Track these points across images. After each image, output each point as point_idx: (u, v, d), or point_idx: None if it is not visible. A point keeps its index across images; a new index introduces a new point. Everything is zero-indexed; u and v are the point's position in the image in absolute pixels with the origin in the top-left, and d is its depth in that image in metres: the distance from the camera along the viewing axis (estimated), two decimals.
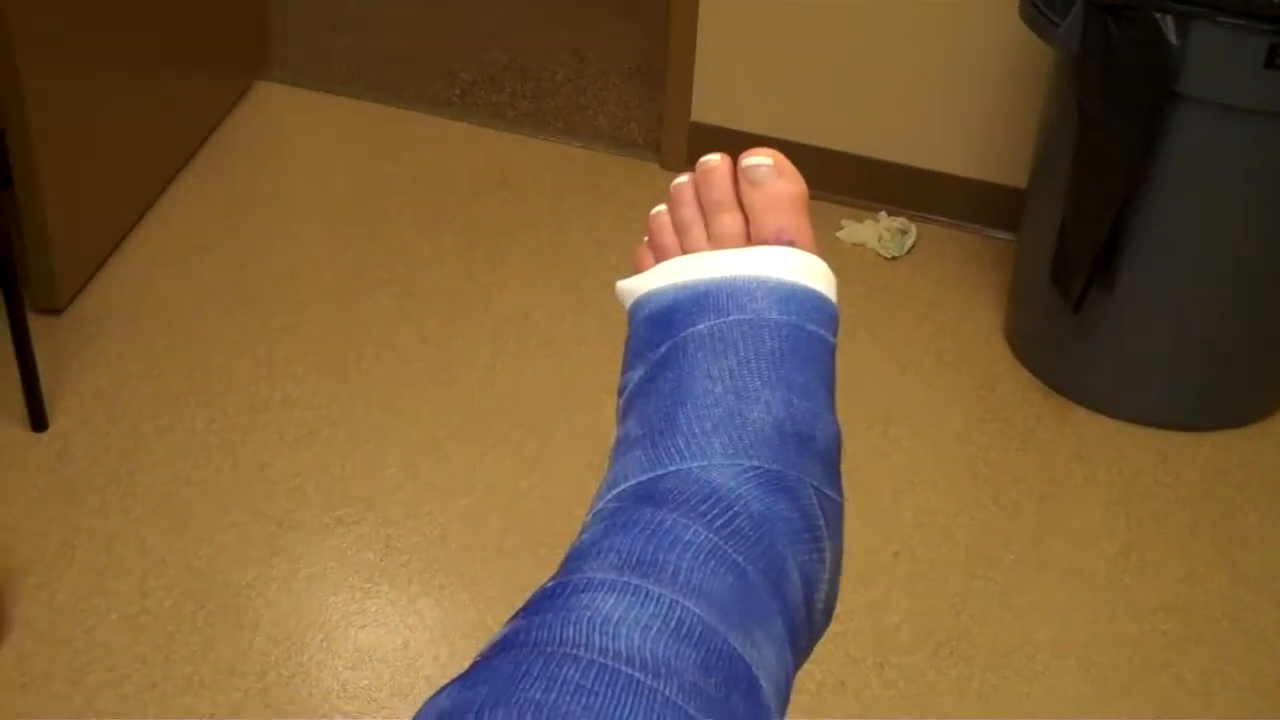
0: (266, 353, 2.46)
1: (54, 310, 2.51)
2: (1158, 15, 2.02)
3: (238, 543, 2.12)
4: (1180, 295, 2.31)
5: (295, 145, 3.06)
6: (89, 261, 2.61)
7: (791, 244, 0.76)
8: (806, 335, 0.74)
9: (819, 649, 2.18)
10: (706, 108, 2.91)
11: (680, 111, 2.93)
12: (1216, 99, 2.09)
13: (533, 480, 2.25)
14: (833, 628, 2.21)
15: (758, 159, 0.77)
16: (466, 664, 1.85)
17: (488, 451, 2.30)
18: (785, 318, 0.73)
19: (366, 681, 1.94)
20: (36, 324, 2.34)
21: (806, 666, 2.18)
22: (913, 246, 2.79)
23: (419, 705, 1.81)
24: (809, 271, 0.76)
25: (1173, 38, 2.03)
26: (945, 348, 2.57)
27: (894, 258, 2.77)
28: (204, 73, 3.00)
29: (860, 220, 2.84)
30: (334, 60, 3.31)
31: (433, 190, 2.90)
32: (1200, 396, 2.45)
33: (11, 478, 2.20)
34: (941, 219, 2.86)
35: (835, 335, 0.76)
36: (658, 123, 3.06)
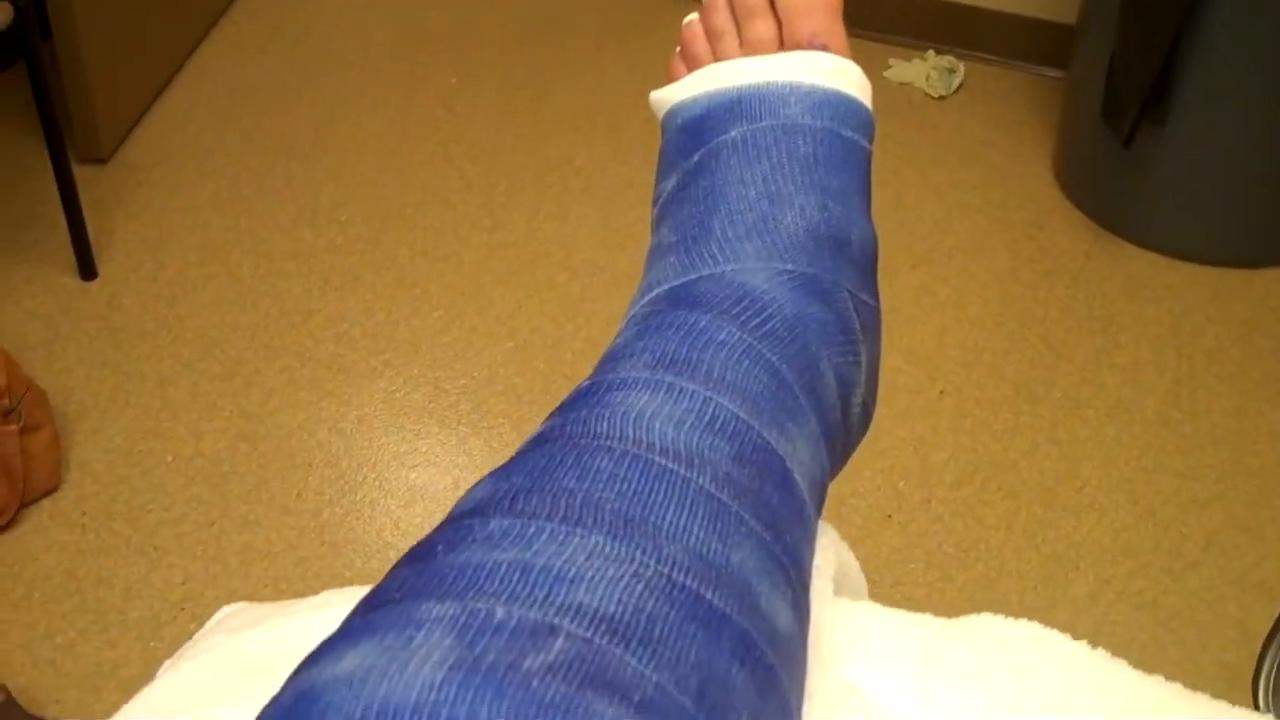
0: (310, 200, 2.47)
1: (98, 160, 2.53)
2: None
3: (287, 386, 2.15)
4: (1233, 128, 2.27)
5: None
6: (131, 111, 2.61)
7: (825, 48, 0.76)
8: (841, 140, 0.73)
9: (863, 483, 2.20)
10: None
11: None
12: None
13: (577, 323, 2.27)
14: (879, 462, 2.22)
15: None
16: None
17: (532, 295, 2.31)
18: (819, 123, 0.73)
19: (419, 519, 1.98)
20: (81, 174, 2.36)
21: (852, 500, 2.19)
22: (960, 85, 2.76)
23: None
24: (843, 76, 0.75)
25: None
26: (993, 186, 2.56)
27: (941, 97, 2.74)
28: None
29: (908, 59, 2.80)
30: None
31: (473, 37, 2.88)
32: (1252, 232, 2.43)
33: (64, 325, 2.23)
34: (990, 57, 2.82)
35: (870, 141, 0.76)
36: None
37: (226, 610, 0.68)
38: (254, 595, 1.88)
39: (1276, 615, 0.71)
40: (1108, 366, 2.24)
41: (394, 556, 1.91)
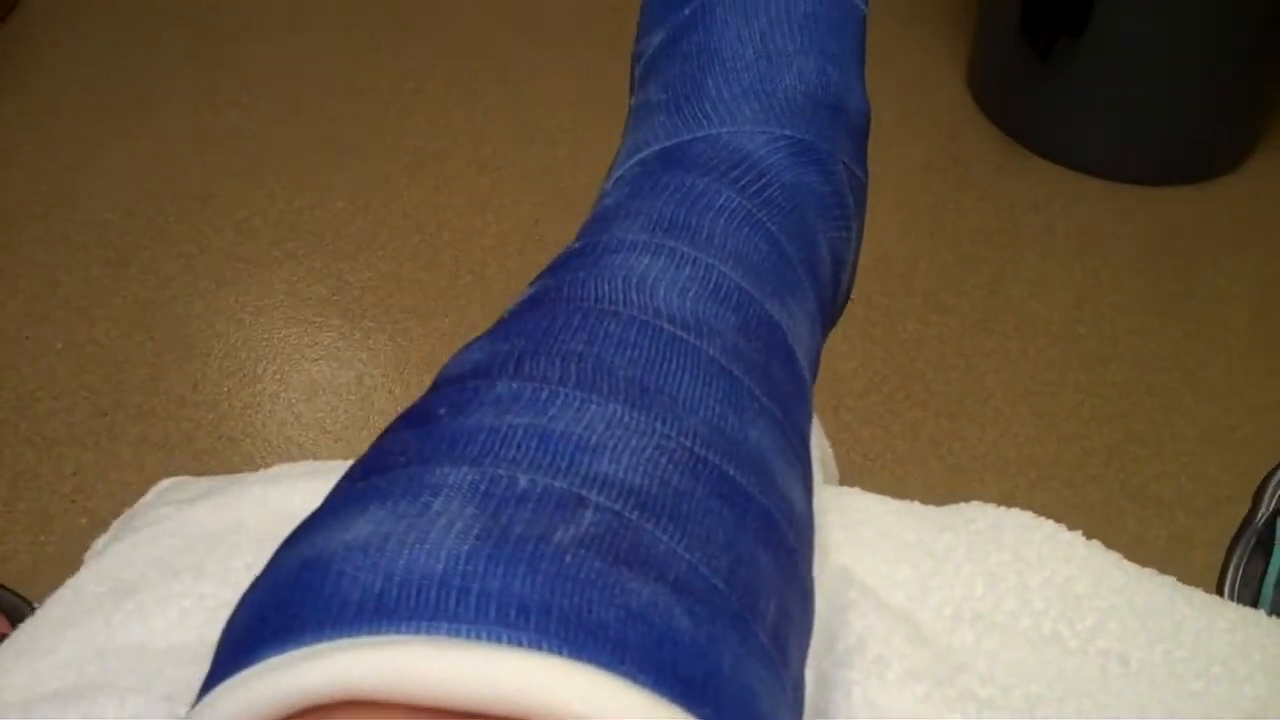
0: (211, 79, 2.39)
1: None
2: None
3: (185, 273, 2.09)
4: (1151, 42, 2.27)
5: None
6: None
7: None
8: (841, 1, 0.70)
9: None
10: None
11: None
12: None
13: (485, 218, 2.22)
14: None
15: None
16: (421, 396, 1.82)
17: (440, 187, 2.26)
18: None
19: (320, 413, 1.94)
20: None
21: None
22: None
23: (374, 437, 1.79)
24: None
25: None
26: (905, 94, 2.54)
27: None
28: None
29: None
30: None
31: None
32: (1162, 150, 2.44)
33: None
34: None
35: (867, 4, 0.73)
36: None
37: (165, 484, 0.64)
38: (148, 489, 1.83)
39: (1241, 519, 0.71)
40: (1015, 280, 2.25)
41: (294, 451, 1.87)
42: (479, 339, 0.48)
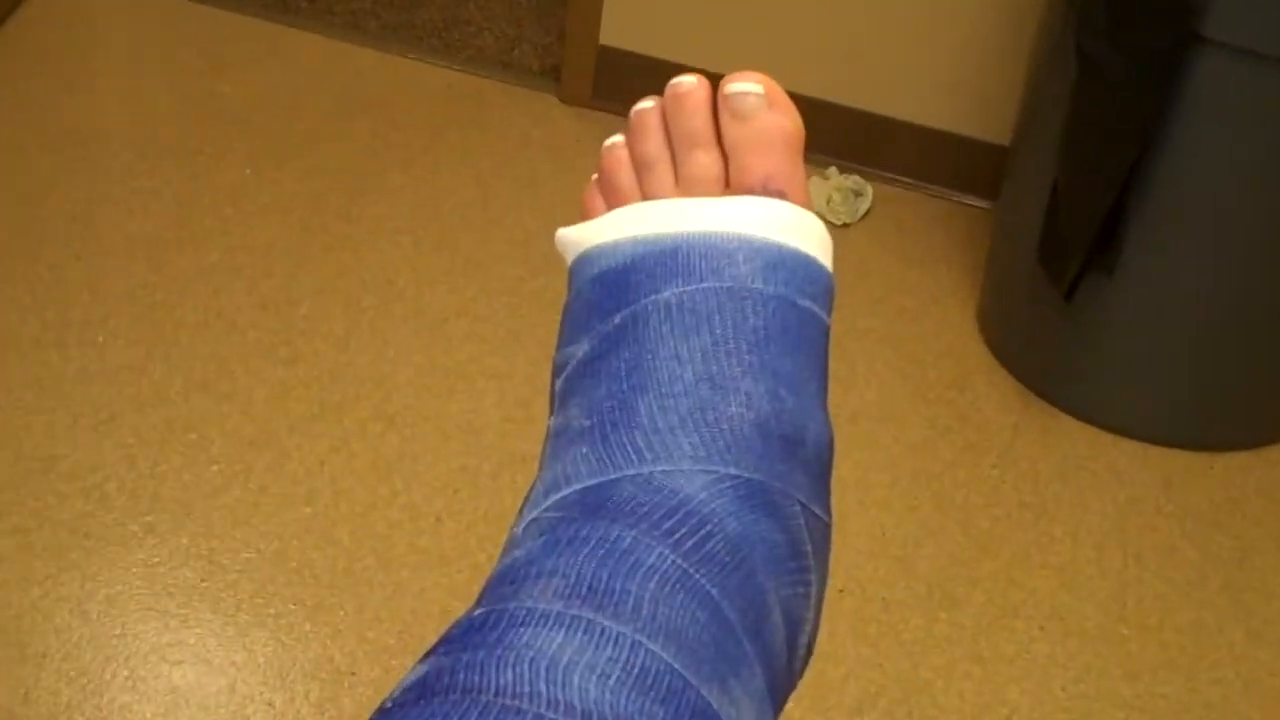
0: (59, 314, 2.42)
1: None
2: None
3: (19, 553, 2.09)
4: (1195, 285, 2.33)
5: (105, 52, 3.02)
6: None
7: (781, 194, 0.76)
8: (798, 312, 0.73)
9: None
10: (618, 28, 2.90)
11: (586, 31, 2.92)
12: (1250, 46, 2.09)
13: (394, 485, 2.24)
14: None
15: (745, 85, 0.76)
16: (309, 712, 1.81)
17: (338, 448, 2.28)
18: (773, 288, 0.73)
19: None
20: None
21: None
22: (868, 211, 2.81)
23: None
24: (802, 231, 0.75)
25: None
26: (905, 337, 2.59)
27: (845, 224, 2.78)
28: None
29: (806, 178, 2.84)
30: None
31: (275, 118, 2.87)
32: (1213, 410, 2.49)
33: None
34: (904, 179, 2.88)
35: (829, 312, 0.76)
36: (557, 44, 3.05)
37: None
38: None
39: None
40: (1040, 566, 2.26)
41: None
42: None
